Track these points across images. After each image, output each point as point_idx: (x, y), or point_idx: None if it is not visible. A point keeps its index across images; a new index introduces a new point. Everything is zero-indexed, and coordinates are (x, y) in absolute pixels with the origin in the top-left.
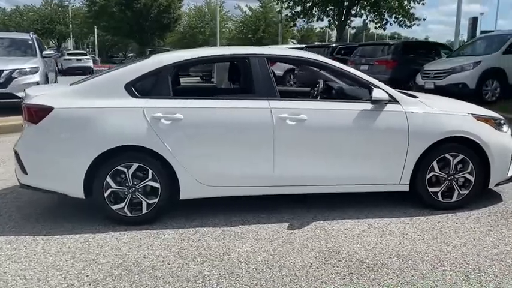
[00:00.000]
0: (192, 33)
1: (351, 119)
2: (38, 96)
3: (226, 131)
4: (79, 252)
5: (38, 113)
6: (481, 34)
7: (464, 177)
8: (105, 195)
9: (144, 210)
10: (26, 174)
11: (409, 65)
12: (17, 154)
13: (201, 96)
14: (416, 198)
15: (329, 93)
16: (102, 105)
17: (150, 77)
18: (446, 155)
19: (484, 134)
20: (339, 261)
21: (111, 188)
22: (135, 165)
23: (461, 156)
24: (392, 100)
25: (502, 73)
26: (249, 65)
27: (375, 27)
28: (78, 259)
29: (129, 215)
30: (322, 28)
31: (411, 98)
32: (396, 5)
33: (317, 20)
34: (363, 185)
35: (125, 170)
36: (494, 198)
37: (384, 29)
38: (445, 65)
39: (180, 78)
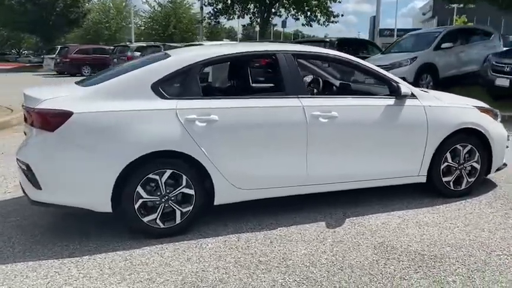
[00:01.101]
0: (96, 29)
1: (378, 115)
2: (50, 99)
3: (261, 131)
4: (127, 273)
5: (54, 119)
6: (413, 31)
7: (471, 165)
8: (136, 206)
9: (178, 220)
10: (40, 189)
11: None
12: (27, 167)
13: (231, 96)
14: (431, 188)
15: (330, 89)
16: (129, 108)
17: (179, 75)
18: (457, 146)
19: (487, 124)
20: (400, 255)
21: (142, 198)
22: (168, 172)
23: (469, 147)
24: (411, 95)
25: (434, 68)
26: (279, 62)
27: (302, 25)
28: (131, 281)
29: (162, 226)
30: (244, 25)
31: (425, 92)
32: (316, 3)
33: (238, 18)
34: (388, 179)
35: (157, 177)
36: (488, 183)
37: (311, 26)
38: (383, 61)
39: None
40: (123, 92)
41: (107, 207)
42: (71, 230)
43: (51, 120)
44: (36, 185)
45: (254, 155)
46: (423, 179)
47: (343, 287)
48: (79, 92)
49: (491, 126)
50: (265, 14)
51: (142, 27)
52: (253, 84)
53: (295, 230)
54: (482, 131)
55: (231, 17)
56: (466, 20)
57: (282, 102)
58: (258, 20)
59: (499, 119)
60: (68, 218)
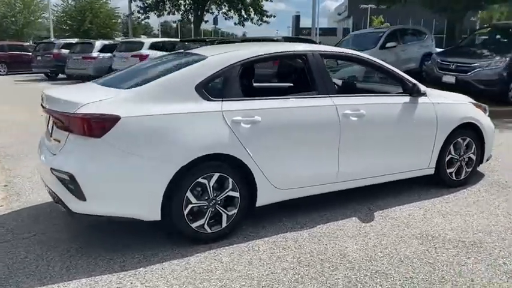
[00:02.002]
0: (0, 23)
1: (397, 112)
2: (92, 103)
3: (300, 131)
4: (197, 282)
5: (101, 125)
6: (354, 31)
7: (469, 157)
8: (185, 212)
9: (224, 224)
10: (84, 200)
11: None
12: (70, 177)
13: (268, 96)
14: (436, 179)
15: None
16: (176, 111)
17: (220, 76)
18: (459, 139)
19: (481, 118)
20: (444, 243)
21: (191, 203)
22: (216, 176)
23: (468, 139)
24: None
25: None
26: (309, 61)
27: (235, 24)
28: None
29: (209, 231)
30: (174, 22)
31: (432, 90)
32: (250, 1)
33: (168, 14)
34: (405, 172)
35: (205, 182)
36: (476, 173)
37: (243, 25)
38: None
39: None
40: (168, 94)
41: (157, 216)
42: (104, 241)
43: (97, 126)
44: (80, 196)
45: (293, 154)
46: (432, 171)
47: (413, 277)
48: (121, 95)
49: (484, 120)
50: (199, 11)
51: (55, 22)
52: (287, 84)
53: (334, 226)
54: (478, 125)
55: (161, 13)
56: (383, 21)
57: (317, 102)
58: (190, 16)
59: (487, 113)
60: (91, 229)
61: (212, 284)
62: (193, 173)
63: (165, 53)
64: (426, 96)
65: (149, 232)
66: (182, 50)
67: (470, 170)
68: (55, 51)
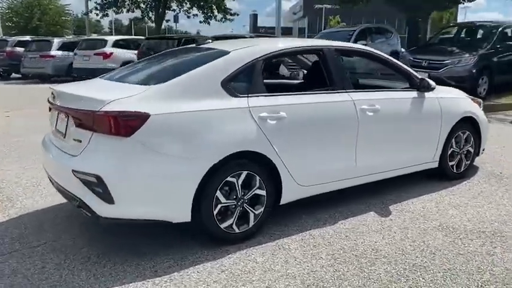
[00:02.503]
0: None
1: (407, 107)
2: (117, 100)
3: (322, 127)
4: (239, 285)
5: (130, 123)
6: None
7: (468, 150)
8: (215, 212)
9: (251, 223)
10: (113, 203)
11: None
12: (98, 179)
13: (290, 92)
14: (439, 172)
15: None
16: (205, 108)
17: (244, 72)
18: (459, 133)
19: (478, 112)
20: (466, 234)
21: (221, 203)
22: (244, 174)
23: (467, 133)
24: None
25: None
26: (327, 57)
27: (200, 22)
28: None
29: (237, 231)
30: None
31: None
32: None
33: (127, 11)
34: (414, 166)
35: (234, 180)
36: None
37: (209, 23)
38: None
39: None
40: (194, 90)
41: (187, 217)
42: (122, 246)
43: (126, 124)
44: (108, 199)
45: (315, 150)
46: (436, 164)
47: (451, 268)
48: (146, 91)
49: (480, 114)
50: (160, 9)
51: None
52: (307, 80)
53: (356, 222)
54: (476, 119)
55: (120, 11)
56: (340, 20)
57: (336, 98)
58: (150, 14)
59: (482, 107)
60: (105, 234)
61: (255, 285)
62: (223, 172)
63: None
64: (432, 91)
65: (166, 235)
66: (194, 45)
67: (468, 162)
68: (8, 49)
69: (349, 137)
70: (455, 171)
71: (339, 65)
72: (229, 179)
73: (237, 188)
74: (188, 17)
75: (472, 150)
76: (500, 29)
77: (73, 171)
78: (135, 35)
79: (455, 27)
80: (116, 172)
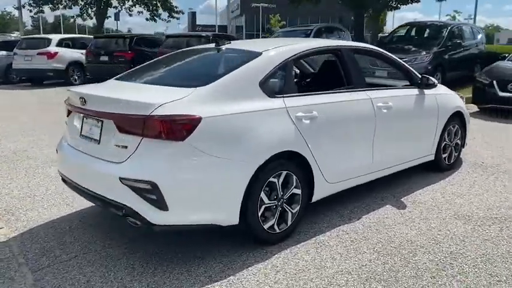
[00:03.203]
0: None
1: (412, 103)
2: (168, 103)
3: (347, 125)
4: (301, 283)
5: (184, 127)
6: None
7: (456, 142)
8: (259, 214)
9: (289, 222)
10: (167, 210)
11: None
12: (153, 186)
13: (317, 91)
14: (433, 164)
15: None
16: (250, 109)
17: (278, 72)
18: (450, 126)
19: (464, 107)
20: (482, 221)
21: (264, 204)
22: (284, 174)
23: (456, 126)
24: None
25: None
26: (347, 56)
27: (146, 19)
28: None
29: (277, 231)
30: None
31: None
32: None
33: (64, 8)
34: (416, 159)
35: (275, 180)
36: None
37: (155, 21)
38: None
39: None
40: (236, 92)
41: (235, 219)
42: (161, 253)
43: (181, 128)
44: (162, 206)
45: (341, 148)
46: (433, 157)
47: (485, 254)
48: (192, 94)
49: (465, 108)
50: (102, 6)
51: None
52: (329, 79)
53: (378, 215)
54: (463, 113)
55: (56, 7)
56: (280, 19)
57: (357, 96)
58: (90, 11)
59: (464, 101)
60: (136, 242)
61: (317, 283)
62: (266, 173)
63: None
64: (434, 88)
65: (199, 238)
66: (213, 45)
67: (457, 154)
68: None
69: (368, 134)
70: (447, 162)
71: (356, 63)
72: (271, 179)
73: (278, 188)
74: (130, 15)
75: (460, 142)
76: (449, 29)
77: (121, 178)
78: (64, 33)
79: (406, 27)
80: (171, 178)
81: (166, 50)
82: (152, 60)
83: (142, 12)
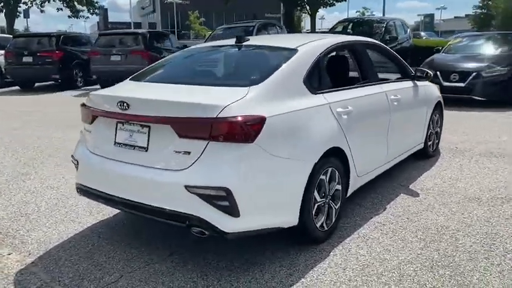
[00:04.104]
0: None
1: (411, 95)
2: (231, 104)
3: (372, 118)
4: (374, 276)
5: (253, 128)
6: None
7: (436, 131)
8: (313, 212)
9: (333, 219)
10: (238, 216)
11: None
12: (227, 192)
13: (345, 85)
14: (423, 151)
15: None
16: (300, 107)
17: (315, 68)
18: (433, 115)
19: (441, 96)
20: (493, 202)
21: (317, 202)
22: (330, 170)
23: (437, 115)
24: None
25: None
26: (361, 50)
27: (69, 17)
28: (386, 281)
29: (326, 228)
30: None
31: None
32: None
33: None
34: (413, 148)
35: (324, 178)
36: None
37: (77, 17)
38: None
39: None
40: (285, 90)
41: (295, 220)
42: (212, 261)
43: (250, 129)
44: (234, 212)
45: (368, 141)
46: (422, 145)
47: None
48: (250, 93)
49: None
50: (12, 2)
51: None
52: (347, 74)
53: (399, 204)
54: (441, 102)
55: None
56: (199, 16)
57: (375, 89)
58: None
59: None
60: (175, 253)
61: (389, 276)
62: (317, 170)
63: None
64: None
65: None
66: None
67: (438, 141)
68: None
69: (385, 126)
70: (431, 149)
71: (369, 58)
72: (321, 176)
73: (326, 185)
74: (42, 11)
75: (439, 130)
76: (385, 24)
77: (187, 187)
78: None
79: (344, 23)
80: (243, 182)
81: (100, 49)
82: (165, 60)
83: (61, 9)
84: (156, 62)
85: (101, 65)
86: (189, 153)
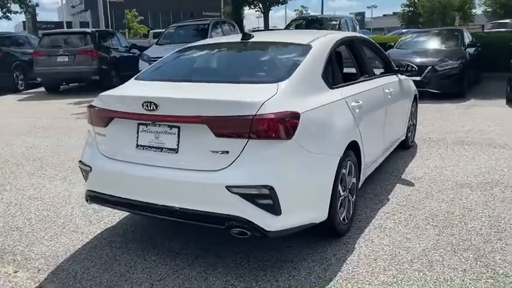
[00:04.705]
0: None
1: (398, 88)
2: (267, 101)
3: (375, 111)
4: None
5: (291, 124)
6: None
7: (413, 122)
8: (338, 205)
9: (351, 212)
10: (280, 214)
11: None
12: (270, 190)
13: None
14: (404, 143)
15: None
16: (324, 102)
17: (329, 63)
18: (412, 108)
19: (416, 90)
20: (484, 187)
21: (341, 196)
22: (349, 164)
23: (414, 108)
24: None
25: None
26: (360, 46)
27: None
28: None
29: (346, 221)
30: None
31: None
32: None
33: None
34: (398, 140)
35: (345, 171)
36: None
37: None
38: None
39: None
40: (308, 85)
41: (325, 215)
42: (241, 263)
43: (288, 126)
44: (276, 210)
45: (372, 134)
46: (404, 137)
47: None
48: (280, 90)
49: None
50: None
51: None
52: (352, 68)
53: (399, 194)
54: (417, 95)
55: None
56: (137, 14)
57: (374, 83)
58: None
59: None
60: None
61: (419, 264)
62: (341, 164)
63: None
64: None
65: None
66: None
67: (414, 133)
68: None
69: (383, 119)
70: (410, 140)
71: (365, 53)
72: (343, 170)
73: (346, 178)
74: None
75: (415, 122)
76: (339, 21)
77: (228, 187)
78: None
79: (299, 21)
80: (285, 179)
81: (44, 50)
82: (169, 58)
83: None
84: (159, 61)
85: (46, 67)
86: (227, 152)
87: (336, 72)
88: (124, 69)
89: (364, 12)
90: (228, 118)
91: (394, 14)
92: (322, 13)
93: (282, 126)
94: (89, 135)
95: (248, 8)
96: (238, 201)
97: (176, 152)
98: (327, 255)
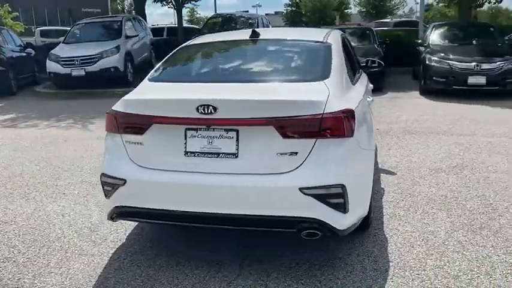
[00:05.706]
0: None
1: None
2: (327, 100)
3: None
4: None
5: (351, 121)
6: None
7: None
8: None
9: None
10: (347, 212)
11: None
12: (342, 189)
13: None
14: None
15: None
16: (358, 98)
17: (345, 59)
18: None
19: None
20: (459, 170)
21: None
22: None
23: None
24: None
25: (131, 55)
26: (350, 42)
27: None
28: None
29: (372, 215)
30: None
31: None
32: None
33: None
34: None
35: None
36: None
37: None
38: (84, 50)
39: None
40: (344, 83)
41: (368, 208)
42: (268, 267)
43: (350, 123)
44: (344, 209)
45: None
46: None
47: (506, 187)
48: (328, 88)
49: None
50: None
51: None
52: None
53: (390, 183)
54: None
55: None
56: (11, 10)
57: (365, 80)
58: None
59: None
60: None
61: (447, 239)
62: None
63: None
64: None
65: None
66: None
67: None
68: None
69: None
70: None
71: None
72: None
73: None
74: None
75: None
76: (256, 20)
77: (301, 189)
78: None
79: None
80: (352, 177)
81: None
82: (178, 58)
83: None
84: (169, 60)
85: None
86: (296, 153)
87: (348, 68)
88: (22, 71)
89: (247, 11)
90: (298, 118)
91: (276, 13)
92: (215, 11)
93: (348, 124)
94: (110, 145)
95: (161, 5)
96: (311, 203)
97: (236, 157)
98: (367, 247)
